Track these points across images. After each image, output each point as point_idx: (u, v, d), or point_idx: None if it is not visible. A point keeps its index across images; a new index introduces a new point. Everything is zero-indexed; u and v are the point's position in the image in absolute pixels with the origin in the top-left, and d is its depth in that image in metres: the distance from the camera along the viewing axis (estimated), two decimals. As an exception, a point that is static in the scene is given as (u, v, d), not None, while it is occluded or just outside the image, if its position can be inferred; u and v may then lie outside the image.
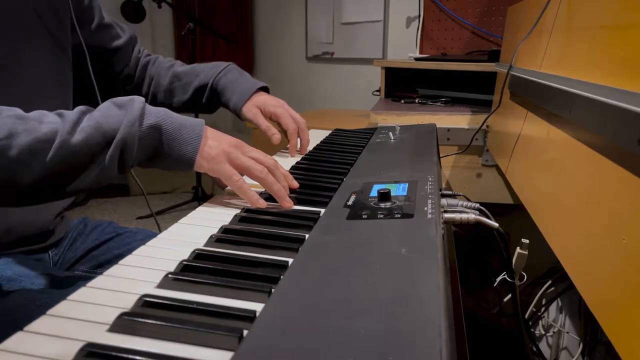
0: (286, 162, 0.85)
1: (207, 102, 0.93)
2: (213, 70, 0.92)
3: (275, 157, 0.89)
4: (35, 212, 0.72)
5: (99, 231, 0.84)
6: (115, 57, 0.89)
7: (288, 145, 0.91)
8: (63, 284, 0.65)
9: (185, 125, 0.59)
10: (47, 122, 0.52)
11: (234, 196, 0.66)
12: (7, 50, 0.63)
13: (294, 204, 0.62)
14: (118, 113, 0.55)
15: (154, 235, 0.85)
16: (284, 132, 0.91)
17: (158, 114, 0.57)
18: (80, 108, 0.55)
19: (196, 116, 2.91)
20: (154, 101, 0.96)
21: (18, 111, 0.52)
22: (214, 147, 0.60)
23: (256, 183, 0.62)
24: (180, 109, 0.96)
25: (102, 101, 0.79)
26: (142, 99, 0.58)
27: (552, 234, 0.64)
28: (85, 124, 0.53)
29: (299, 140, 0.92)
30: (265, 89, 0.94)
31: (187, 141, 0.58)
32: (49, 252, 0.77)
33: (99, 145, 0.53)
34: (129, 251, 0.64)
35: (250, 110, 0.89)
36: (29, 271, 0.66)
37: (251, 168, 0.61)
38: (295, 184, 0.66)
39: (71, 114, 0.54)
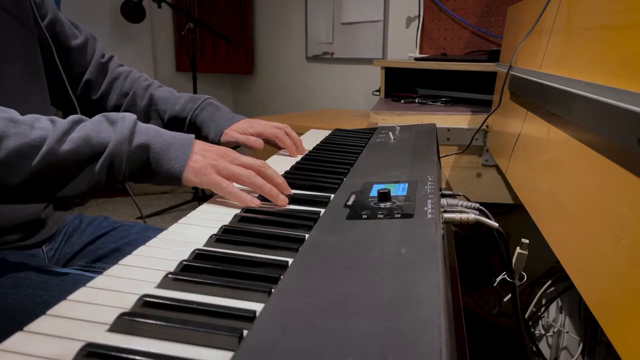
0: (286, 162, 0.85)
1: (187, 132, 0.93)
2: (190, 105, 0.92)
3: (275, 157, 0.90)
4: None
5: (94, 226, 0.84)
6: (70, 58, 0.86)
7: (285, 148, 0.92)
8: (61, 280, 0.64)
9: (174, 144, 0.60)
10: (39, 127, 0.53)
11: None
12: None
13: (293, 204, 0.62)
14: (109, 129, 0.57)
15: (150, 228, 0.86)
16: (272, 143, 0.92)
17: (147, 133, 0.59)
18: (73, 117, 0.57)
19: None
20: None
21: (12, 113, 0.53)
22: (200, 161, 0.61)
23: (246, 188, 0.63)
24: None
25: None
26: (134, 116, 0.60)
27: (552, 234, 0.64)
28: (75, 134, 0.55)
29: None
30: None
31: (175, 159, 0.60)
32: (43, 247, 0.77)
33: (86, 157, 0.55)
34: (125, 244, 0.64)
35: (228, 134, 0.90)
36: (25, 268, 0.66)
37: (238, 175, 0.61)
38: (289, 191, 0.65)
39: (63, 123, 0.55)
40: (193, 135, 0.62)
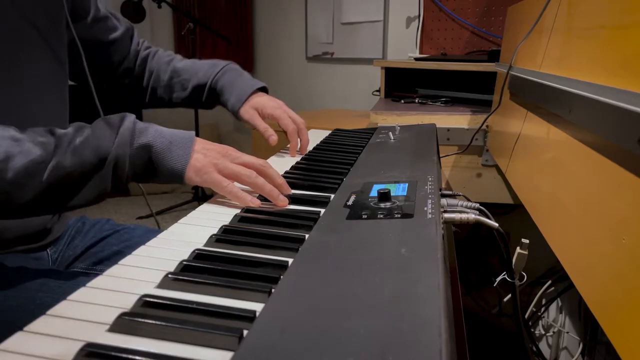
0: (286, 162, 0.85)
1: (206, 100, 0.94)
2: (212, 70, 0.92)
3: (275, 157, 0.90)
4: None
5: (97, 228, 0.84)
6: (112, 49, 0.89)
7: (288, 146, 0.91)
8: (62, 282, 0.65)
9: (175, 142, 0.60)
10: (40, 142, 0.53)
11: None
12: (7, 51, 0.64)
13: (293, 204, 0.62)
14: (109, 133, 0.57)
15: (152, 231, 0.86)
16: (283, 132, 0.90)
17: (148, 134, 0.59)
18: (73, 126, 0.57)
19: (196, 114, 2.88)
20: (153, 95, 0.96)
21: (12, 131, 0.53)
22: (201, 159, 0.61)
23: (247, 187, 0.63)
24: (179, 104, 0.97)
25: (98, 97, 0.79)
26: (133, 116, 0.60)
27: (552, 234, 0.64)
28: (78, 144, 0.55)
29: (299, 140, 0.92)
30: (264, 89, 0.94)
31: (176, 158, 0.60)
32: (47, 250, 0.77)
33: (92, 165, 0.55)
34: (127, 247, 0.64)
35: (248, 111, 0.90)
36: (28, 270, 0.66)
37: (239, 174, 0.61)
38: (289, 192, 0.65)
39: (64, 135, 0.55)
40: (193, 133, 0.62)
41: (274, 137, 0.87)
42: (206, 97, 0.93)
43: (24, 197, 0.52)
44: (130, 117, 0.60)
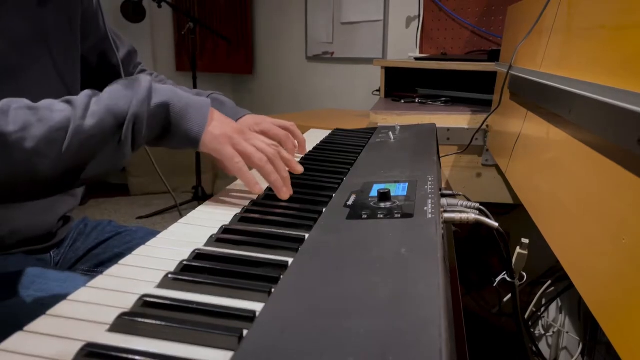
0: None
1: None
2: None
3: None
4: (41, 216, 0.72)
5: (98, 231, 0.84)
6: (111, 72, 0.85)
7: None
8: (63, 282, 0.65)
9: (192, 104, 0.59)
10: (58, 110, 0.52)
11: (233, 196, 0.66)
12: (16, 64, 0.63)
13: (294, 204, 0.62)
14: (126, 94, 0.55)
15: (154, 233, 0.85)
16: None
17: (165, 93, 0.58)
18: (86, 92, 0.55)
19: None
20: None
21: (26, 102, 0.51)
22: (218, 128, 0.60)
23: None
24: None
25: None
26: (149, 77, 0.58)
27: (552, 234, 0.64)
28: (95, 107, 0.53)
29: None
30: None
31: (194, 120, 0.59)
32: (51, 252, 0.77)
33: (112, 127, 0.54)
34: (129, 249, 0.64)
35: None
36: (31, 271, 0.66)
37: (251, 155, 0.61)
38: (300, 169, 0.66)
39: (79, 99, 0.54)
40: (209, 100, 0.61)
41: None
42: None
43: (46, 167, 0.50)
44: (147, 78, 0.58)
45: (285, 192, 0.61)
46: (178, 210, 1.04)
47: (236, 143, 0.61)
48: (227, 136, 0.60)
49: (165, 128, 0.58)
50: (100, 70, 0.85)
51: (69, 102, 0.53)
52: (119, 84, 0.57)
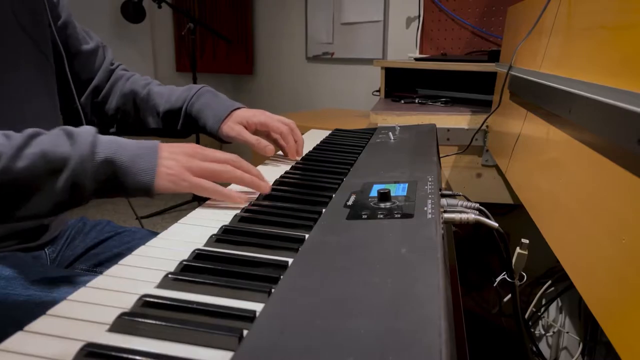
0: (285, 163, 0.85)
1: (182, 126, 0.88)
2: (186, 94, 0.87)
3: (272, 161, 0.89)
4: None
5: (97, 230, 0.84)
6: (79, 62, 0.84)
7: (284, 148, 0.89)
8: (62, 282, 0.65)
9: (139, 154, 0.57)
10: None
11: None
12: None
13: (294, 204, 0.62)
14: (66, 142, 0.54)
15: (153, 234, 0.85)
16: (272, 140, 0.87)
17: (110, 147, 0.55)
18: (28, 131, 0.54)
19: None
20: (125, 119, 0.91)
21: None
22: (172, 166, 0.57)
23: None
24: (152, 130, 0.91)
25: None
26: (94, 129, 0.56)
27: (552, 234, 0.64)
28: (30, 150, 0.52)
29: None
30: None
31: (143, 171, 0.56)
32: (45, 249, 0.77)
33: (43, 173, 0.52)
34: (128, 250, 0.63)
35: (233, 128, 0.84)
36: (27, 269, 0.66)
37: (215, 171, 0.59)
38: (265, 180, 0.63)
39: (18, 138, 0.52)
40: (157, 142, 0.59)
41: (270, 147, 0.82)
42: (182, 122, 0.88)
43: None
44: (91, 129, 0.56)
45: (265, 186, 0.61)
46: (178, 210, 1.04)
47: (195, 168, 0.59)
48: (182, 167, 0.58)
49: (113, 183, 0.56)
50: (73, 57, 0.83)
51: (7, 138, 0.52)
52: (63, 131, 0.55)
